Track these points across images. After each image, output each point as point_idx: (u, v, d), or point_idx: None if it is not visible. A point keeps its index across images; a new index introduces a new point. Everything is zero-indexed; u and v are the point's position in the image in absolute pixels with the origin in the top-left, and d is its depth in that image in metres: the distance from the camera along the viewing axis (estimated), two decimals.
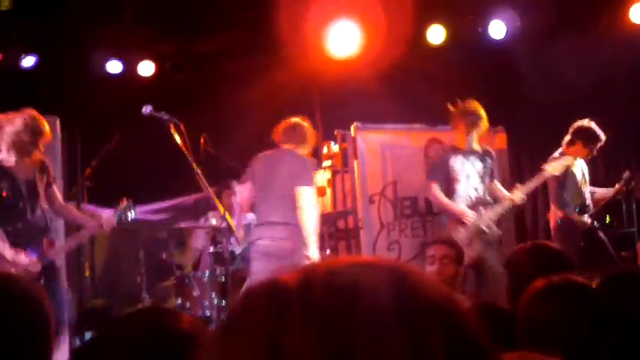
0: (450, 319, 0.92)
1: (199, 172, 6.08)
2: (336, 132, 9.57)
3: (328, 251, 8.02)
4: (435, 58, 10.31)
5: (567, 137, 8.18)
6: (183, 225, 8.01)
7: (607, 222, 9.74)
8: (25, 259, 5.83)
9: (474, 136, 7.72)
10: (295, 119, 7.33)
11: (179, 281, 8.25)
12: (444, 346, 0.89)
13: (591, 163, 10.04)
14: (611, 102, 10.49)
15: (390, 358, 0.87)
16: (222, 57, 10.30)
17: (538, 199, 11.04)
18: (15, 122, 5.92)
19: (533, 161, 11.48)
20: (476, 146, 7.77)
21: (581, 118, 8.38)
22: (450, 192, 7.58)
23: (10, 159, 5.95)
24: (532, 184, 7.83)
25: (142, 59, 10.13)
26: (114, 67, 9.91)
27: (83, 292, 7.07)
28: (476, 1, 10.19)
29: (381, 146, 9.05)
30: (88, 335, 7.53)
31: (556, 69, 9.93)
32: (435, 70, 10.39)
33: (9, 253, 5.80)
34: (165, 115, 6.00)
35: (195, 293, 7.99)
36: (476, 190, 7.65)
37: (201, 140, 8.08)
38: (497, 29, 10.04)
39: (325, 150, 9.80)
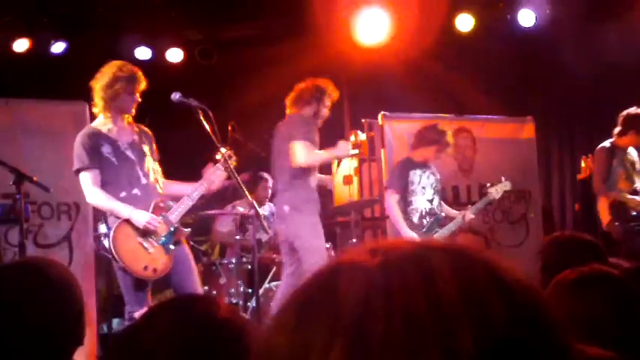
0: (539, 313, 0.90)
1: (221, 161, 6.07)
2: (363, 120, 9.54)
3: (355, 240, 8.02)
4: (464, 47, 10.26)
5: (618, 128, 8.11)
6: (210, 212, 8.02)
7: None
8: (144, 213, 5.67)
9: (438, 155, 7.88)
10: (301, 84, 7.28)
11: (206, 268, 8.28)
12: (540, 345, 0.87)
13: None
14: None
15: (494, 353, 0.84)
16: (251, 44, 10.30)
17: (566, 191, 10.98)
18: (103, 77, 5.75)
19: (561, 150, 11.43)
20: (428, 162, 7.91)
21: (611, 108, 8.31)
22: (406, 203, 7.71)
23: (107, 122, 5.79)
24: (480, 205, 8.04)
25: (170, 45, 10.17)
26: (143, 53, 9.94)
27: (111, 279, 7.09)
28: None
29: (408, 135, 9.00)
30: (114, 322, 7.57)
31: (587, 57, 9.84)
32: (463, 58, 10.35)
33: (126, 211, 5.63)
34: (194, 102, 5.99)
35: (222, 281, 8.02)
36: (430, 202, 7.80)
37: (229, 127, 8.09)
38: (526, 17, 9.97)
39: (352, 138, 9.78)
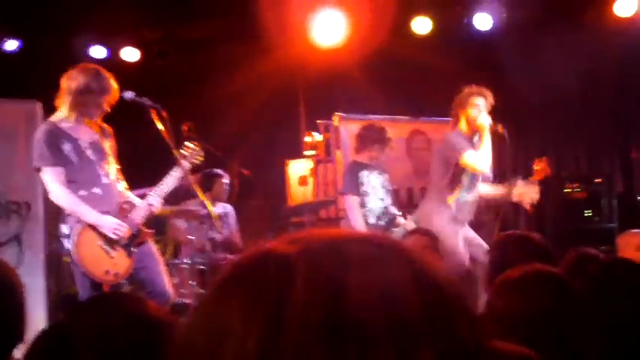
0: (460, 307, 0.91)
1: (182, 156, 6.02)
2: (318, 122, 9.56)
3: None
4: (421, 49, 10.30)
5: None
6: (162, 209, 7.95)
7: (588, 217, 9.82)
8: (111, 220, 5.60)
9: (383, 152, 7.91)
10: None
11: None
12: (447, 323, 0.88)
13: (574, 160, 10.12)
14: (596, 95, 10.52)
15: (406, 339, 0.85)
16: (208, 44, 10.25)
17: None
18: (75, 79, 5.62)
19: (515, 152, 11.51)
20: (373, 161, 7.92)
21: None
22: (361, 205, 7.73)
23: (69, 120, 5.64)
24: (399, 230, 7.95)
25: (126, 45, 10.08)
26: (98, 52, 9.85)
27: (61, 279, 7.03)
28: None
29: None
30: None
31: (541, 62, 9.95)
32: (420, 61, 10.39)
33: (92, 216, 5.54)
34: (147, 101, 5.92)
35: (175, 280, 7.96)
36: (382, 201, 7.85)
37: (185, 128, 8.05)
38: (483, 21, 10.04)
39: (308, 139, 9.79)
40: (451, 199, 7.25)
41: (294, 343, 0.83)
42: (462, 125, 7.27)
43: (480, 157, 7.09)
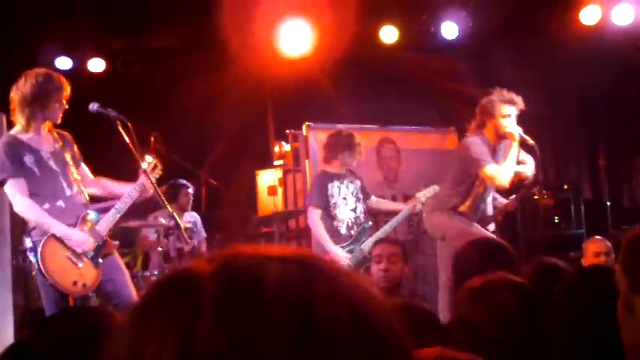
0: (369, 319, 0.89)
1: (147, 170, 5.97)
2: (287, 131, 9.55)
3: None
4: (388, 58, 10.34)
5: None
6: (131, 224, 7.91)
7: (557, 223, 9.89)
8: (79, 234, 5.54)
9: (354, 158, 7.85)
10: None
11: None
12: (362, 346, 0.86)
13: (542, 167, 10.16)
14: (563, 103, 10.61)
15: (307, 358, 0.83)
16: (174, 54, 10.22)
17: None
18: (24, 87, 5.48)
19: None
20: (343, 170, 7.88)
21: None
22: (331, 217, 7.69)
23: (28, 130, 5.53)
24: (409, 209, 7.92)
25: (92, 55, 10.02)
26: (63, 63, 9.78)
27: (29, 293, 6.95)
28: (428, 2, 10.23)
29: None
30: None
31: (507, 70, 10.01)
32: (387, 70, 10.42)
33: (59, 229, 5.47)
34: (112, 113, 5.87)
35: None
36: (354, 211, 7.82)
37: (152, 138, 8.01)
38: (449, 30, 10.09)
39: (277, 149, 9.77)
40: (463, 208, 7.12)
41: None
42: (489, 133, 6.95)
43: (502, 171, 6.80)
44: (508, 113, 6.89)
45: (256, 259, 0.91)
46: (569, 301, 2.60)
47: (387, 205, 8.05)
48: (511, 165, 6.86)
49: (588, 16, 9.74)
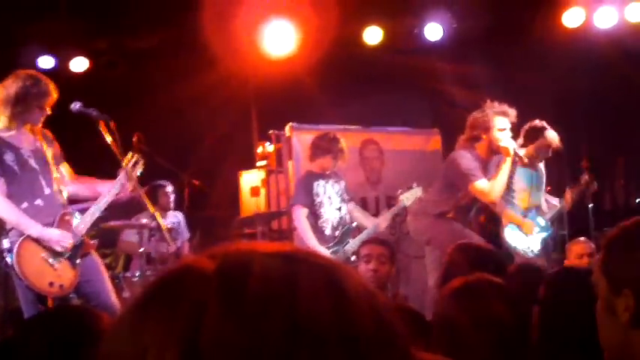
0: (379, 323, 0.89)
1: (127, 168, 5.94)
2: (270, 132, 9.53)
3: None
4: (372, 59, 10.34)
5: None
6: (113, 224, 7.88)
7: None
8: (56, 232, 5.50)
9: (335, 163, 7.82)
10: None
11: None
12: (374, 347, 0.86)
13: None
14: (543, 105, 10.63)
15: (323, 356, 0.83)
16: (158, 54, 10.18)
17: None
18: (11, 87, 5.48)
19: None
20: (327, 171, 7.88)
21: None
22: (316, 216, 7.67)
23: (10, 128, 5.51)
24: (393, 211, 7.94)
25: (75, 55, 9.98)
26: (46, 62, 9.74)
27: (8, 293, 6.89)
28: (412, 3, 10.24)
29: None
30: None
31: (490, 72, 10.04)
32: (371, 70, 10.42)
33: (35, 229, 5.43)
34: (94, 112, 5.83)
35: (125, 294, 7.86)
36: (339, 210, 7.80)
37: (135, 138, 7.97)
38: (433, 31, 10.11)
39: (260, 150, 9.76)
40: (450, 215, 7.11)
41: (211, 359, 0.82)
42: (481, 148, 6.98)
43: (492, 187, 6.83)
44: (503, 127, 6.92)
45: (259, 255, 0.90)
46: (549, 302, 2.61)
47: (358, 217, 7.98)
48: (502, 181, 6.90)
49: (571, 19, 9.78)
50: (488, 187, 6.80)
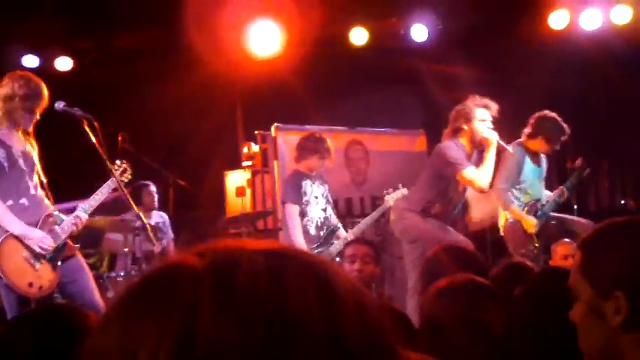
0: (366, 321, 0.89)
1: (114, 171, 5.92)
2: (256, 132, 9.53)
3: None
4: (358, 60, 10.34)
5: None
6: (97, 218, 7.84)
7: None
8: (37, 232, 5.45)
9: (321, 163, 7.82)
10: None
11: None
12: (361, 346, 0.87)
13: None
14: (529, 106, 10.65)
15: (312, 353, 0.83)
16: (143, 54, 10.17)
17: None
18: (5, 87, 5.47)
19: None
20: (313, 172, 7.86)
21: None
22: (301, 214, 7.64)
23: (1, 127, 5.49)
24: (378, 212, 7.95)
25: (59, 54, 9.94)
26: (30, 61, 9.70)
27: None
28: (398, 4, 10.25)
29: None
30: None
31: (476, 73, 10.06)
32: (357, 71, 10.43)
33: (18, 227, 5.39)
34: (78, 112, 5.80)
35: (110, 294, 7.84)
36: (324, 211, 7.79)
37: (120, 138, 7.96)
38: (419, 32, 10.11)
39: (245, 150, 9.75)
40: (435, 210, 7.13)
41: (206, 358, 0.82)
42: (465, 139, 7.02)
43: (481, 174, 6.89)
44: (484, 118, 6.97)
45: (248, 253, 0.90)
46: (532, 302, 2.61)
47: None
48: (489, 168, 6.94)
49: (557, 21, 9.80)
50: (476, 174, 6.86)
